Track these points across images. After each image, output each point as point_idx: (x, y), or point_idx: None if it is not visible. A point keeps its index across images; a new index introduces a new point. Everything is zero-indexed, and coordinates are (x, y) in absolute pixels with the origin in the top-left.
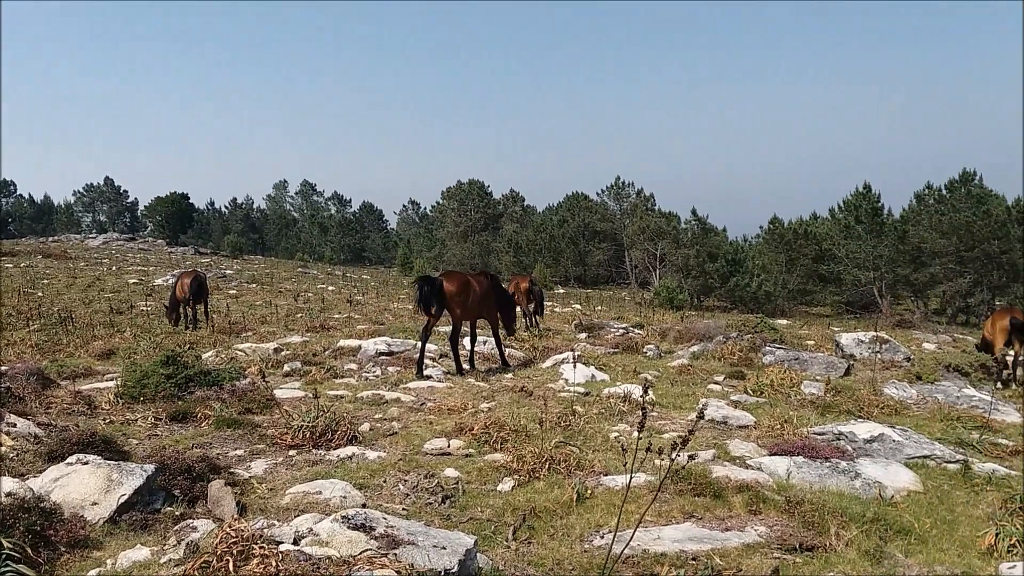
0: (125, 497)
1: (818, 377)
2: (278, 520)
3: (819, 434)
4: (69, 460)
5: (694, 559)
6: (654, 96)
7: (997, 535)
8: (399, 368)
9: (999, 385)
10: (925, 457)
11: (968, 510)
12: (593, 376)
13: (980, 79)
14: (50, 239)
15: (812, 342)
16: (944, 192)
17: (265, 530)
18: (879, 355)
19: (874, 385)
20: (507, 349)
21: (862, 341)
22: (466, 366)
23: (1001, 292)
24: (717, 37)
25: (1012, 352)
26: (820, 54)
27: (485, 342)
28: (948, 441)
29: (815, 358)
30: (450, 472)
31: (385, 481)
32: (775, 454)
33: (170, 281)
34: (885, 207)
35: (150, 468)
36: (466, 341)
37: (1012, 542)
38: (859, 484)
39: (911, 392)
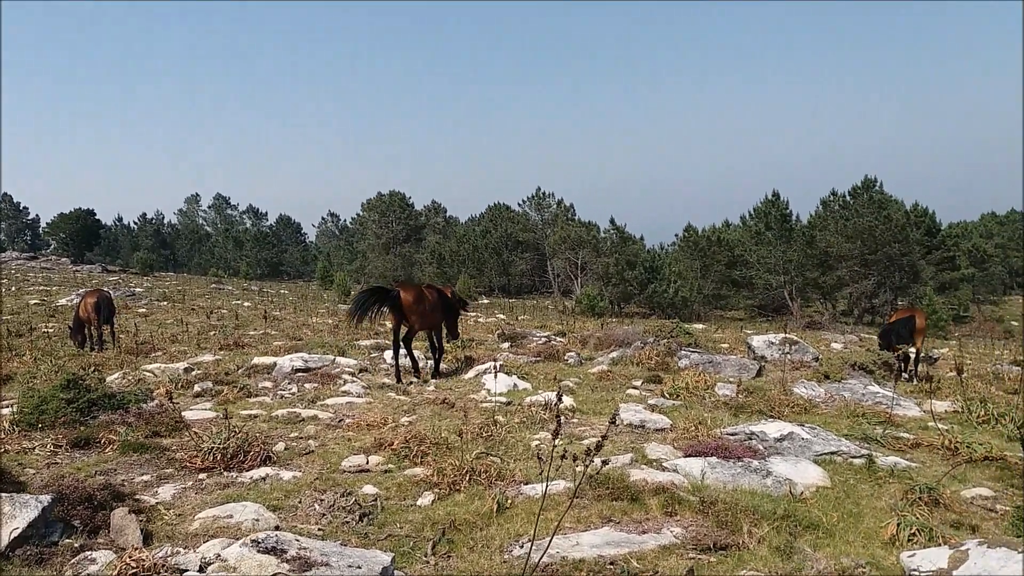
0: (18, 531)
1: (731, 379)
2: (185, 547)
3: (732, 434)
4: None
5: (612, 563)
6: (572, 109)
7: (899, 525)
8: (316, 385)
9: (906, 377)
10: (832, 453)
11: (872, 502)
12: (515, 385)
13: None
14: None
15: (726, 345)
16: (848, 198)
17: (169, 558)
18: (789, 356)
19: (784, 385)
20: (429, 361)
21: (773, 343)
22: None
23: (903, 292)
24: (629, 47)
25: (913, 349)
26: (729, 63)
27: (406, 355)
28: (854, 437)
29: (728, 360)
30: (368, 489)
31: (300, 501)
32: (690, 455)
33: (74, 301)
34: (793, 213)
35: (46, 499)
36: (387, 354)
37: (912, 531)
38: (770, 482)
39: (819, 391)
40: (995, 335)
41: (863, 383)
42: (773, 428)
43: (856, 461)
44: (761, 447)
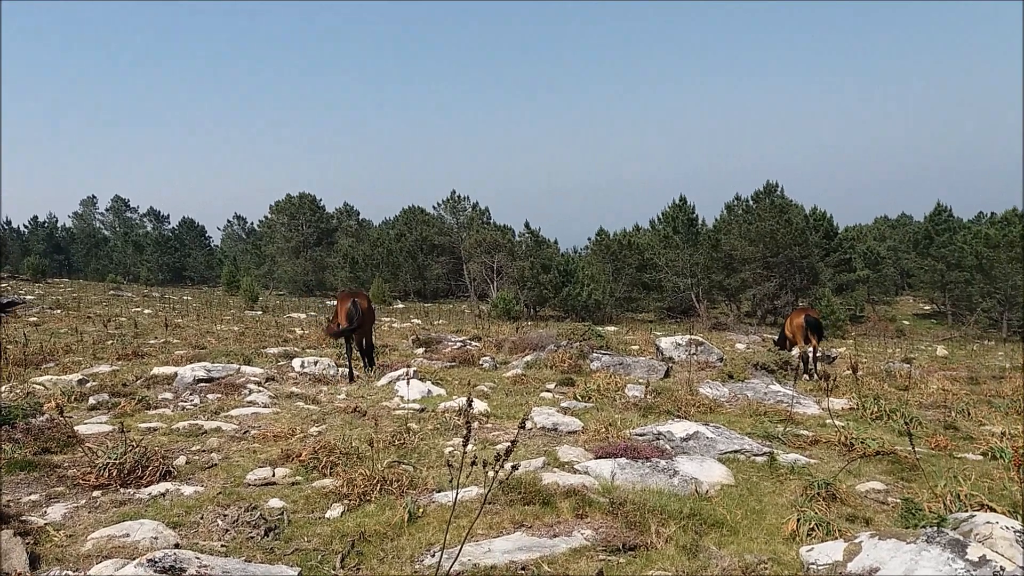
0: None
1: (641, 380)
2: (75, 569)
3: (640, 435)
4: None
5: (523, 568)
6: (487, 112)
7: (799, 521)
8: (220, 395)
9: (806, 377)
10: (736, 452)
11: (774, 499)
12: (429, 391)
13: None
14: None
15: (636, 347)
16: (751, 203)
17: None
18: (695, 357)
19: (691, 385)
20: (340, 369)
21: (680, 344)
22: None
23: (803, 293)
24: (542, 50)
25: (811, 348)
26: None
27: (316, 362)
28: (756, 435)
29: (638, 362)
30: (275, 502)
31: (202, 517)
32: (600, 457)
33: None
34: (699, 218)
35: None
36: (296, 362)
37: (811, 526)
38: (677, 481)
39: (724, 390)
40: (888, 334)
41: (765, 382)
42: (679, 428)
43: (759, 459)
44: (668, 447)
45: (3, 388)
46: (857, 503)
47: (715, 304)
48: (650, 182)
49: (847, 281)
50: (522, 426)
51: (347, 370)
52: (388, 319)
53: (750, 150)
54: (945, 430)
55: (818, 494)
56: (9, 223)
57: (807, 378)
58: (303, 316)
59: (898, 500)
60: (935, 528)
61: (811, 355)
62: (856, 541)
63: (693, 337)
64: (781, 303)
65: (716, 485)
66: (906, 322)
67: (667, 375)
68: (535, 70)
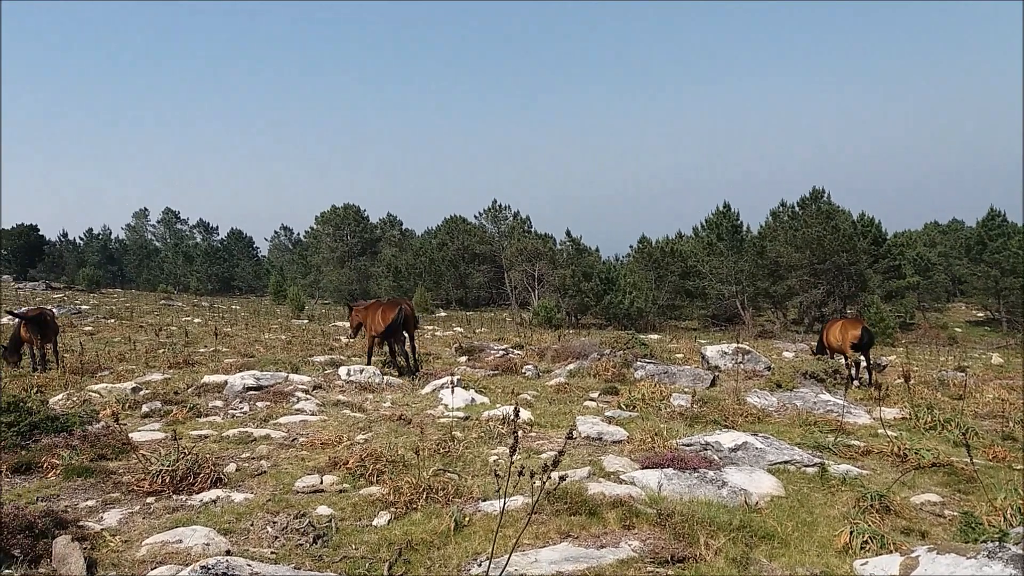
0: None
1: (686, 389)
2: (132, 575)
3: (687, 445)
4: None
5: None
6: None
7: (851, 533)
8: (269, 403)
9: (856, 385)
10: (786, 462)
11: (826, 511)
12: (473, 400)
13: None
14: None
15: (680, 355)
16: (796, 209)
17: None
18: (742, 365)
19: (738, 395)
20: (386, 377)
21: (726, 352)
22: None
23: (851, 300)
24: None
25: (861, 358)
26: (683, 74)
27: (361, 371)
28: (806, 445)
29: (683, 371)
30: (323, 510)
31: (252, 524)
32: (647, 467)
33: (14, 320)
34: (744, 224)
35: None
36: (342, 370)
37: (865, 539)
38: (726, 492)
39: (772, 400)
40: (940, 342)
41: (814, 391)
42: (728, 438)
43: (809, 470)
44: (716, 457)
45: (61, 396)
46: (912, 516)
47: (760, 312)
48: (692, 188)
49: (896, 288)
50: (570, 436)
51: (392, 378)
52: (431, 327)
53: (795, 155)
54: (1003, 441)
55: (871, 506)
56: (65, 235)
57: (857, 386)
58: (348, 324)
59: (955, 513)
60: (996, 543)
61: (861, 364)
62: (913, 555)
63: (739, 345)
64: (829, 310)
65: (766, 496)
66: (958, 329)
67: (713, 384)
68: (577, 73)
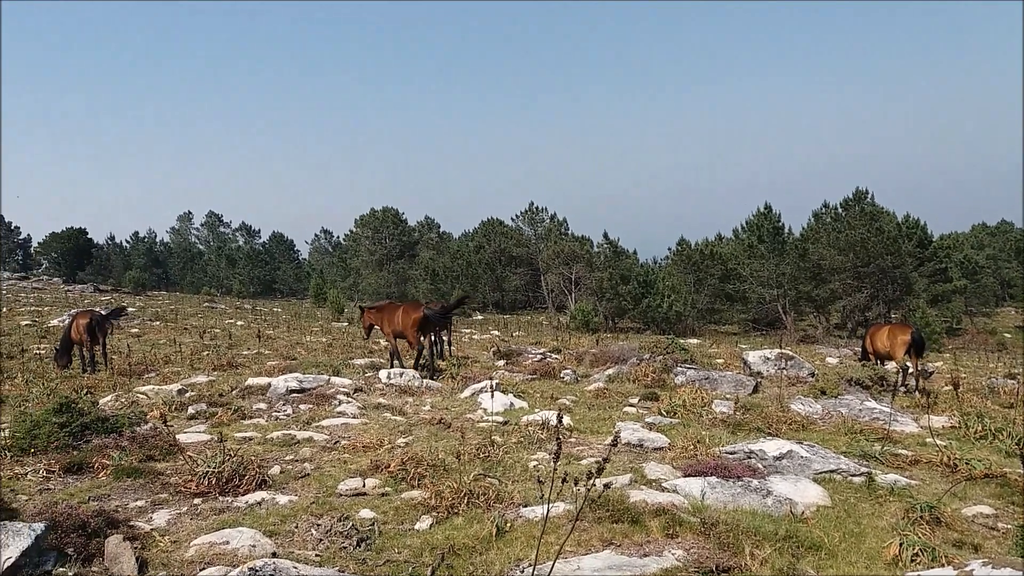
0: (11, 560)
1: (728, 395)
2: (181, 575)
3: (731, 453)
4: None
5: None
6: (565, 122)
7: (901, 545)
8: (311, 405)
9: (903, 391)
10: (832, 471)
11: (874, 522)
12: (512, 404)
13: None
14: None
15: (721, 360)
16: (840, 210)
17: None
18: (785, 371)
19: (781, 402)
20: (425, 381)
21: (768, 358)
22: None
23: (896, 304)
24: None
25: (911, 363)
26: (718, 73)
27: (401, 374)
28: (852, 454)
29: (724, 376)
30: (365, 513)
31: (297, 526)
32: (689, 475)
33: (65, 322)
34: (785, 226)
35: (39, 527)
36: (382, 373)
37: (915, 551)
38: (771, 502)
39: (816, 407)
40: (989, 347)
41: (860, 399)
42: (772, 446)
43: (856, 479)
44: (760, 466)
45: (110, 397)
46: (964, 528)
47: (803, 316)
48: (731, 189)
49: (943, 292)
50: (614, 443)
51: (431, 382)
52: (468, 330)
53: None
54: None
55: (921, 517)
56: (112, 238)
57: (904, 393)
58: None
59: (1010, 526)
60: None
61: (908, 370)
62: (967, 569)
63: (782, 351)
64: (873, 315)
65: (812, 506)
66: (1007, 335)
67: (756, 390)
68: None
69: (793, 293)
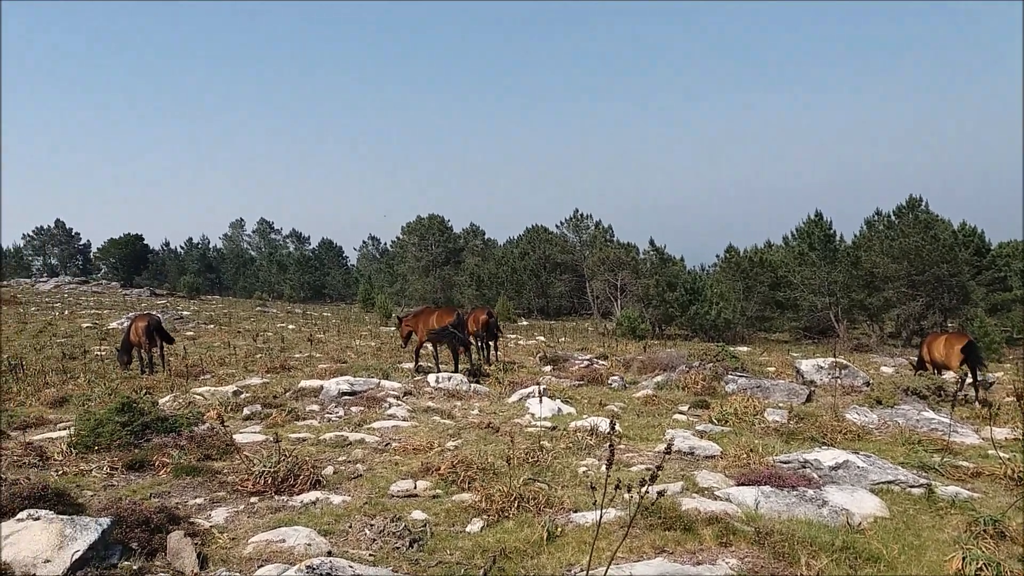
0: (79, 553)
1: (781, 404)
2: (241, 572)
3: (785, 462)
4: (20, 516)
5: None
6: (609, 129)
7: (964, 559)
8: (362, 408)
9: (963, 401)
10: (889, 482)
11: (934, 534)
12: (559, 410)
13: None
14: None
15: (772, 369)
16: (893, 218)
17: None
18: (839, 380)
19: (836, 411)
20: (473, 385)
21: (822, 367)
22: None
23: (953, 313)
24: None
25: (968, 373)
26: (768, 82)
27: (449, 378)
28: (911, 465)
29: (777, 385)
30: (417, 514)
31: (350, 526)
32: (743, 484)
33: (124, 324)
34: (837, 234)
35: (105, 521)
36: (431, 377)
37: (979, 566)
38: (826, 512)
39: (872, 417)
40: None
41: (917, 409)
42: (827, 456)
43: (915, 491)
44: (815, 475)
45: (168, 398)
46: None
47: (855, 324)
48: (780, 197)
49: (1002, 301)
50: (668, 451)
51: (479, 386)
52: (513, 336)
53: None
54: None
55: (984, 531)
56: (168, 244)
57: (963, 403)
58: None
59: None
60: None
61: (966, 380)
62: None
63: (836, 359)
64: (928, 323)
65: (869, 517)
66: None
67: (809, 399)
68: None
69: (845, 301)
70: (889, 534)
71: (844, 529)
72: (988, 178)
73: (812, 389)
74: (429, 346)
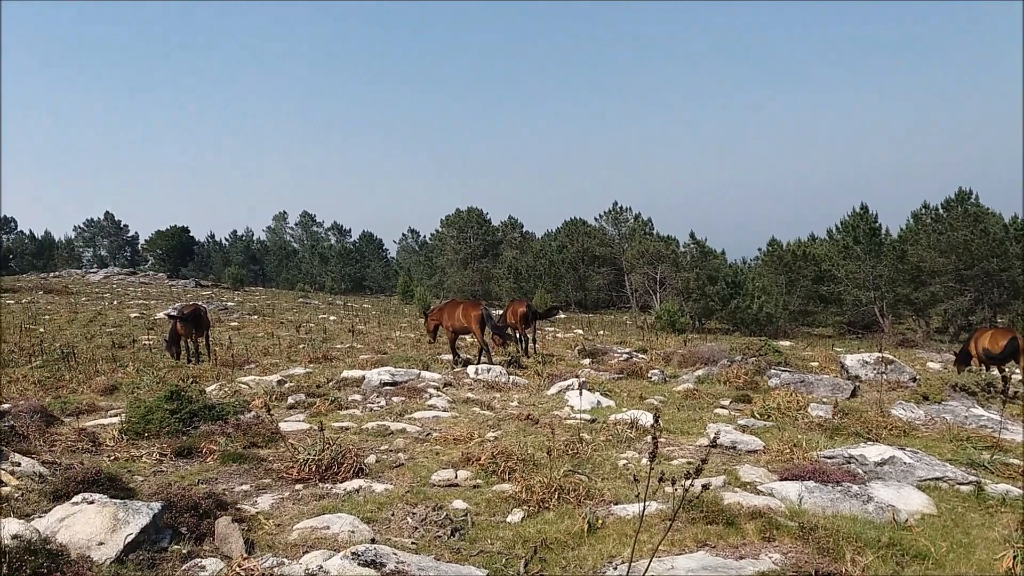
0: (132, 536)
1: (824, 399)
2: (287, 557)
3: (829, 458)
4: (75, 499)
5: None
6: (649, 119)
7: (1015, 557)
8: (403, 398)
9: (1013, 396)
10: (937, 479)
11: (984, 532)
12: (599, 402)
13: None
14: (51, 275)
15: (816, 364)
16: (941, 211)
17: (275, 569)
18: (885, 376)
19: (881, 406)
20: (512, 377)
21: (867, 362)
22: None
23: (1002, 309)
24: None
25: (1019, 368)
26: (815, 71)
27: (489, 370)
28: (959, 462)
29: (820, 380)
30: (458, 503)
31: (393, 514)
32: (786, 479)
33: (171, 314)
34: (883, 227)
35: (156, 506)
36: (470, 369)
37: None
38: (872, 508)
39: (919, 413)
40: None
41: (965, 405)
42: (873, 451)
43: (963, 488)
44: (860, 471)
45: (214, 386)
46: None
47: (901, 319)
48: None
49: None
50: (713, 444)
51: (517, 378)
52: (551, 329)
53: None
54: None
55: None
56: (213, 236)
57: (1012, 399)
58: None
59: None
60: None
61: (1016, 376)
62: None
63: (882, 354)
64: (977, 319)
65: (916, 514)
66: None
67: (853, 395)
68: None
69: (891, 296)
70: (937, 531)
71: (890, 525)
72: None
73: (857, 384)
74: (460, 337)
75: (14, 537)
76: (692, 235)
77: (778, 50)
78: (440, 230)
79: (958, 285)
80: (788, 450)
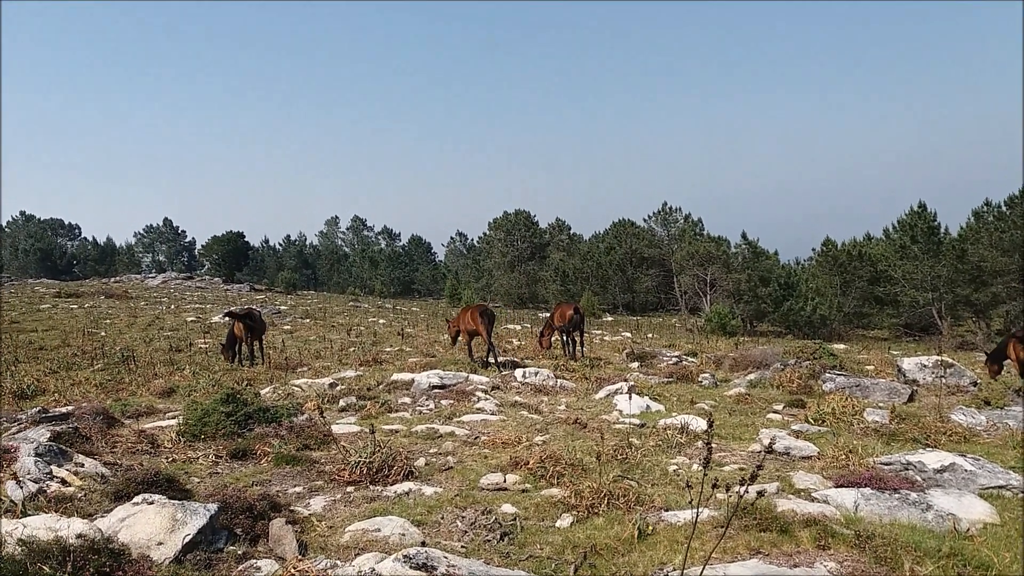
0: (189, 537)
1: (881, 404)
2: (340, 559)
3: (886, 464)
4: (135, 500)
5: None
6: (700, 120)
7: None
8: (452, 401)
9: None
10: (1000, 487)
11: None
12: (648, 407)
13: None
14: (112, 280)
15: (871, 367)
16: (1004, 209)
17: (328, 571)
18: (943, 380)
19: (940, 411)
20: (559, 381)
21: (925, 365)
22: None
23: None
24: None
25: None
26: (871, 64)
27: (536, 373)
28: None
29: (876, 384)
30: (507, 508)
31: (442, 517)
32: (841, 486)
33: (227, 319)
34: (942, 226)
35: (213, 507)
36: (518, 372)
37: None
38: (931, 516)
39: (980, 418)
40: None
41: None
42: (932, 458)
43: None
44: (919, 478)
45: (268, 389)
46: None
47: (960, 321)
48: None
49: None
50: (769, 450)
51: (565, 381)
52: (599, 332)
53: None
54: None
55: None
56: (267, 241)
57: None
58: (518, 327)
59: None
60: None
61: None
62: None
63: (941, 358)
64: None
65: (978, 523)
66: None
67: (911, 399)
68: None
69: (950, 297)
70: (1000, 541)
71: (951, 535)
72: None
73: (914, 389)
74: (463, 340)
75: (78, 536)
76: (744, 235)
77: (825, 49)
78: (488, 233)
79: (1021, 285)
80: (843, 456)
